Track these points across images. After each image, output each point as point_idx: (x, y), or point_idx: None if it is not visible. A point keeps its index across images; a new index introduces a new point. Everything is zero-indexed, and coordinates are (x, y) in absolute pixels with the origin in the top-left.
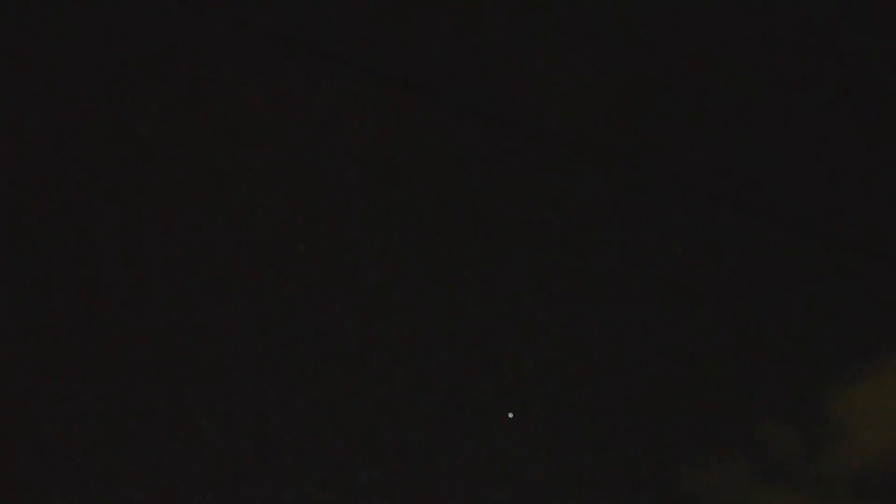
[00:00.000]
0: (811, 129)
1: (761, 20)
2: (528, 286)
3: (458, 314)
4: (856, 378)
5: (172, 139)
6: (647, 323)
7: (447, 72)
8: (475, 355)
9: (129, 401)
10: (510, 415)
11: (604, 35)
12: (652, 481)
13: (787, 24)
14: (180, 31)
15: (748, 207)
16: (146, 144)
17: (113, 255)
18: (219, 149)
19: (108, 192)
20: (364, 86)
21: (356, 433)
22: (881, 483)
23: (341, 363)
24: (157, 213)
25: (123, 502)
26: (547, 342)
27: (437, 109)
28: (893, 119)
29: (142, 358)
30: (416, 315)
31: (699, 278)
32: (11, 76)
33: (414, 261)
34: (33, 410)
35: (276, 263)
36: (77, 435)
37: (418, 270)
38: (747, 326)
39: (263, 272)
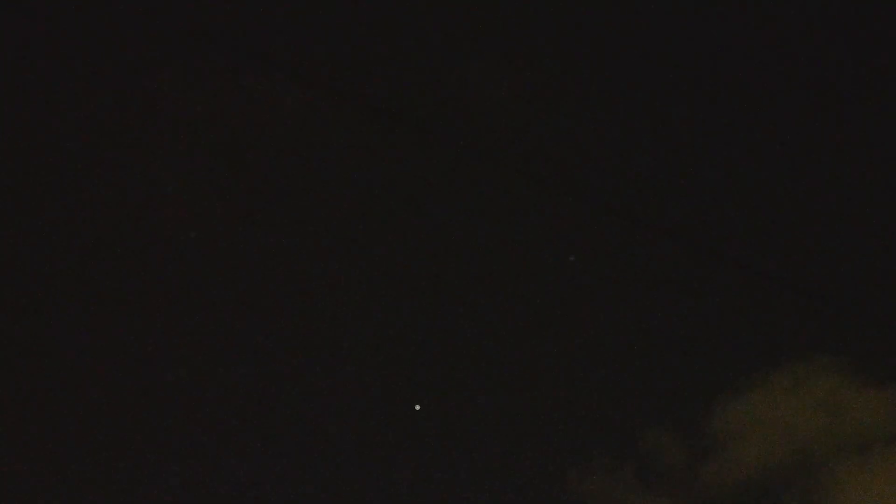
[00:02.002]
0: (710, 149)
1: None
2: (435, 285)
3: (369, 309)
4: (739, 392)
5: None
6: (543, 331)
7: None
8: (384, 350)
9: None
10: (417, 407)
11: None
12: (541, 484)
13: (700, 42)
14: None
15: (642, 221)
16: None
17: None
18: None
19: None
20: (300, 93)
21: (265, 424)
22: (760, 494)
23: (249, 357)
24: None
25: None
26: (453, 342)
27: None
28: (786, 142)
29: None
30: (328, 310)
31: (590, 289)
32: None
33: (329, 259)
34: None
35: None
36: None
37: (333, 268)
38: (637, 339)
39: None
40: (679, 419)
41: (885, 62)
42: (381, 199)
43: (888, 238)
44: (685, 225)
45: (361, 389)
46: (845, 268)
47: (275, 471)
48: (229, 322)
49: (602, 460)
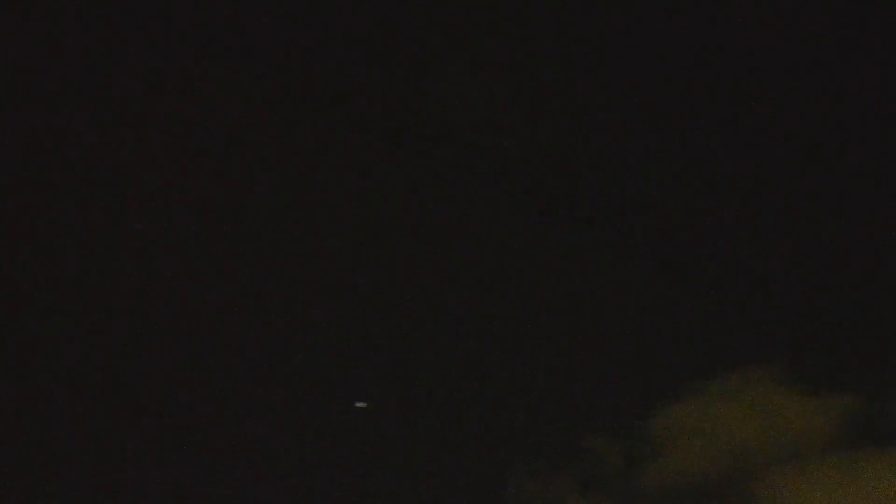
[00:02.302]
0: (656, 161)
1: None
2: (379, 285)
3: (316, 308)
4: (677, 398)
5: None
6: (489, 335)
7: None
8: (331, 347)
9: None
10: (362, 404)
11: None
12: (483, 485)
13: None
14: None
15: (586, 230)
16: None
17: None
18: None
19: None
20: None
21: (208, 423)
22: (697, 498)
23: (198, 352)
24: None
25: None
26: (401, 344)
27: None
28: (720, 158)
29: None
30: (275, 307)
31: (536, 296)
32: None
33: (283, 254)
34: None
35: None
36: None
37: (285, 263)
38: (579, 346)
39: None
40: (619, 424)
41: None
42: (342, 199)
43: (824, 250)
44: (629, 235)
45: (306, 386)
46: (782, 279)
47: (217, 469)
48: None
49: (543, 463)
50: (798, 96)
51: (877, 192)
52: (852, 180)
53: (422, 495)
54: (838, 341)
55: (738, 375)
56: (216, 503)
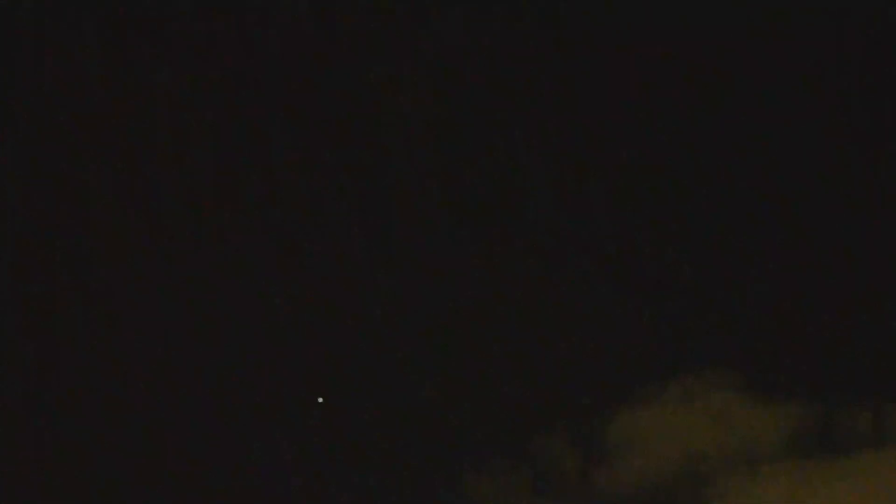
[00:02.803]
0: (607, 165)
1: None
2: (339, 280)
3: (275, 303)
4: (633, 403)
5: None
6: (443, 336)
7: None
8: (288, 341)
9: None
10: (320, 399)
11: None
12: (437, 486)
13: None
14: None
15: (541, 231)
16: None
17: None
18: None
19: None
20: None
21: (165, 418)
22: (643, 501)
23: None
24: None
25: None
26: (356, 342)
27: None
28: (677, 161)
29: None
30: (232, 299)
31: (490, 297)
32: None
33: (246, 245)
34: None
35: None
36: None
37: (243, 255)
38: (534, 348)
39: None
40: (574, 427)
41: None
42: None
43: (781, 258)
44: (583, 237)
45: (264, 381)
46: (739, 286)
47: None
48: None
49: (498, 465)
50: (739, 93)
51: (832, 201)
52: (805, 188)
53: (375, 494)
54: (793, 349)
55: (693, 381)
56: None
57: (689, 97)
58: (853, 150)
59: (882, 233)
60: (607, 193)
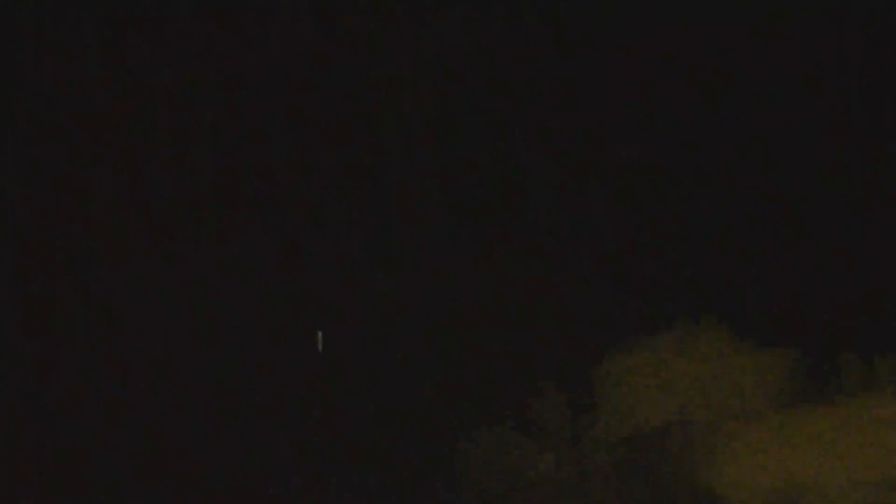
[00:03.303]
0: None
1: None
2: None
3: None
4: (626, 352)
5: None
6: (436, 287)
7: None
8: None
9: None
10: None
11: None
12: (427, 434)
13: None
14: None
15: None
16: None
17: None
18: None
19: None
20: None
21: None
22: (641, 451)
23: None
24: None
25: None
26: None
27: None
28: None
29: None
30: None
31: (485, 241)
32: None
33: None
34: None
35: None
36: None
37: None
38: (527, 297)
39: None
40: (565, 376)
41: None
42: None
43: (772, 205)
44: (578, 187)
45: (262, 322)
46: (731, 235)
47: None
48: None
49: (487, 413)
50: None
51: (819, 152)
52: (792, 138)
53: (368, 444)
54: (783, 298)
55: (687, 330)
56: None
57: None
58: (836, 107)
59: (870, 181)
60: (595, 148)
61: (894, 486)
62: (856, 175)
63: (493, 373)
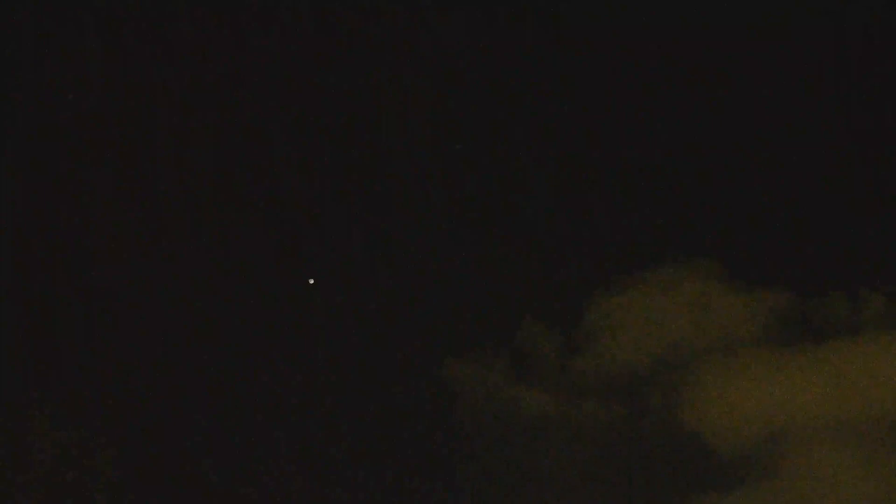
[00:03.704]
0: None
1: None
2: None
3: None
4: (613, 290)
5: None
6: (427, 221)
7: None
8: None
9: None
10: (311, 280)
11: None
12: (417, 370)
13: None
14: None
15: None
16: None
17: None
18: None
19: None
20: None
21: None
22: (628, 387)
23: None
24: None
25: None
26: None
27: None
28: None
29: None
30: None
31: (473, 180)
32: None
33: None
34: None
35: None
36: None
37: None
38: (517, 236)
39: None
40: (554, 314)
41: None
42: None
43: (760, 148)
44: (568, 132)
45: (258, 260)
46: (719, 176)
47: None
48: None
49: (478, 350)
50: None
51: (808, 91)
52: (783, 79)
53: (354, 379)
54: (771, 238)
55: (673, 269)
56: None
57: None
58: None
59: (859, 122)
60: (590, 86)
61: (878, 424)
62: (841, 118)
63: (480, 310)
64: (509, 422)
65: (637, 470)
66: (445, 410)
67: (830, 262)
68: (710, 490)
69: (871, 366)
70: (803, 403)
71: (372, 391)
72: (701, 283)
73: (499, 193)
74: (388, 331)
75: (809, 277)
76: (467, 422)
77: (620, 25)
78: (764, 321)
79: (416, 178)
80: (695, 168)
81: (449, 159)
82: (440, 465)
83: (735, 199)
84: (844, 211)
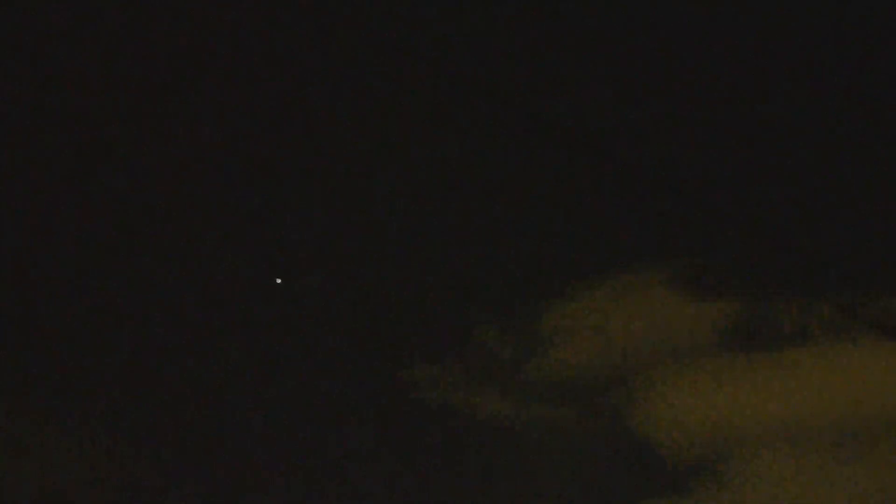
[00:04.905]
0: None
1: None
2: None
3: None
4: (567, 297)
5: None
6: (389, 226)
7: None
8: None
9: None
10: (278, 280)
11: None
12: (369, 372)
13: None
14: None
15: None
16: None
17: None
18: None
19: None
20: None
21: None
22: (580, 394)
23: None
24: None
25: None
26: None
27: None
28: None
29: None
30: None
31: (429, 185)
32: None
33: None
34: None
35: None
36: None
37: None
38: (472, 239)
39: None
40: (508, 319)
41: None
42: None
43: (715, 153)
44: (524, 138)
45: (222, 261)
46: (673, 183)
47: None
48: None
49: (431, 355)
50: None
51: (770, 95)
52: (747, 85)
53: (310, 380)
54: (724, 248)
55: (628, 277)
56: None
57: None
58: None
59: (818, 124)
60: (545, 92)
61: (828, 432)
62: (795, 128)
63: (434, 314)
64: (463, 425)
65: (588, 475)
66: (400, 413)
67: (780, 271)
68: (661, 497)
69: (821, 374)
70: (754, 411)
71: (327, 393)
72: (655, 290)
73: (455, 199)
74: (344, 334)
75: (759, 286)
76: (422, 425)
77: (578, 27)
78: (715, 329)
79: (371, 181)
80: (648, 178)
81: (407, 165)
82: (394, 467)
83: (688, 209)
84: (794, 221)
